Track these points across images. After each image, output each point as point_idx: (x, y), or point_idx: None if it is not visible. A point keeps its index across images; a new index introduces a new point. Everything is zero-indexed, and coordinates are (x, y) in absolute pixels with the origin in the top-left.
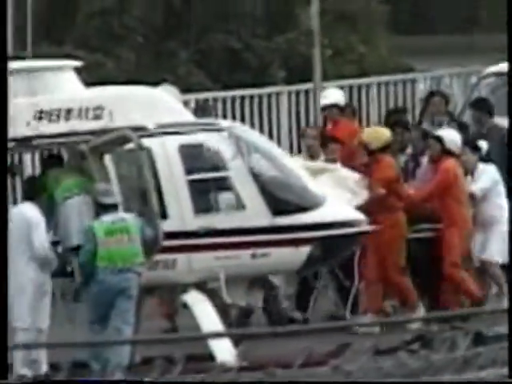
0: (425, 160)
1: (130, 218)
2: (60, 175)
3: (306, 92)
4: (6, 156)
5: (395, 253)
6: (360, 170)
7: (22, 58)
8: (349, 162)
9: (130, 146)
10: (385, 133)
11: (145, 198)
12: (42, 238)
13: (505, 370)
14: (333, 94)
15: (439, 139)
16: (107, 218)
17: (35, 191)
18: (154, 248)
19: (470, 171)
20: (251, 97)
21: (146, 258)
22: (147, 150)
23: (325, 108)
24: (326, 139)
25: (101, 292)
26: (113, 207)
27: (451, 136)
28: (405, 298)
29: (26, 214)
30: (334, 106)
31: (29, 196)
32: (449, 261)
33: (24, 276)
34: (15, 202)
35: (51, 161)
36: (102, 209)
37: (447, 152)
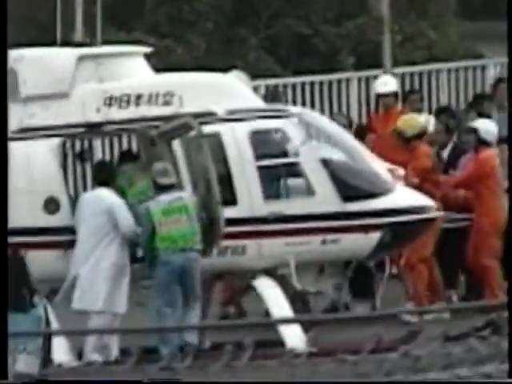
0: (445, 154)
1: (187, 197)
2: (134, 176)
3: (376, 78)
4: (6, 155)
5: (423, 240)
6: (395, 159)
7: (92, 45)
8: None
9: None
10: (420, 120)
11: (208, 184)
12: (128, 217)
13: None
14: (391, 82)
15: (474, 130)
16: (164, 198)
17: (108, 177)
18: (211, 235)
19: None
20: (321, 83)
21: (205, 245)
22: (217, 136)
23: (382, 96)
24: (363, 131)
25: (166, 274)
26: (170, 187)
27: (487, 127)
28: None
29: (105, 199)
30: (393, 93)
31: (102, 181)
32: (483, 251)
33: (105, 260)
34: (85, 188)
35: (124, 158)
36: (159, 189)
37: (483, 142)
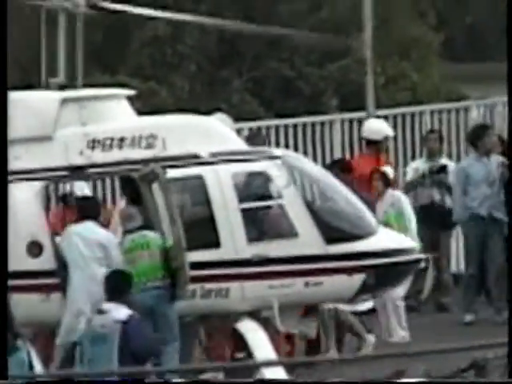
0: None
1: (150, 234)
2: None
3: (359, 120)
4: (6, 156)
5: None
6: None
7: (73, 88)
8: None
9: (180, 174)
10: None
11: (174, 229)
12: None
13: None
14: (384, 127)
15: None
16: (128, 238)
17: (93, 212)
18: (177, 280)
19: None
20: (304, 125)
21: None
22: (200, 179)
23: (379, 141)
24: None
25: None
26: (137, 229)
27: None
28: None
29: (97, 232)
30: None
31: (87, 215)
32: None
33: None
34: None
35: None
36: (126, 232)
37: None
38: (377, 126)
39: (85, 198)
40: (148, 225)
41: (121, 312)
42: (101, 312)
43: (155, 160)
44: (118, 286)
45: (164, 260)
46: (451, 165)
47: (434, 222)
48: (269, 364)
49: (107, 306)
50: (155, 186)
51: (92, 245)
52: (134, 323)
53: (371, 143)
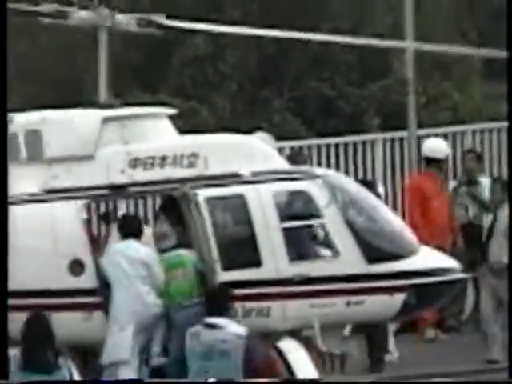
0: None
1: (185, 253)
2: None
3: (401, 140)
4: (5, 154)
5: None
6: None
7: (111, 107)
8: None
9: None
10: None
11: (208, 251)
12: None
13: None
14: (444, 146)
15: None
16: (165, 257)
17: (135, 229)
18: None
19: None
20: (346, 144)
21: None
22: (242, 198)
23: (442, 160)
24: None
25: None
26: (172, 248)
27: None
28: None
29: (140, 249)
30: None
31: (129, 233)
32: None
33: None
34: None
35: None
36: (160, 252)
37: None
38: (439, 145)
39: (127, 216)
40: (183, 243)
41: (236, 327)
42: (211, 327)
43: (197, 179)
44: (220, 301)
45: (200, 278)
46: (484, 181)
47: (471, 241)
48: (310, 383)
49: (219, 321)
50: (192, 207)
51: (135, 263)
52: (252, 338)
53: (433, 162)
